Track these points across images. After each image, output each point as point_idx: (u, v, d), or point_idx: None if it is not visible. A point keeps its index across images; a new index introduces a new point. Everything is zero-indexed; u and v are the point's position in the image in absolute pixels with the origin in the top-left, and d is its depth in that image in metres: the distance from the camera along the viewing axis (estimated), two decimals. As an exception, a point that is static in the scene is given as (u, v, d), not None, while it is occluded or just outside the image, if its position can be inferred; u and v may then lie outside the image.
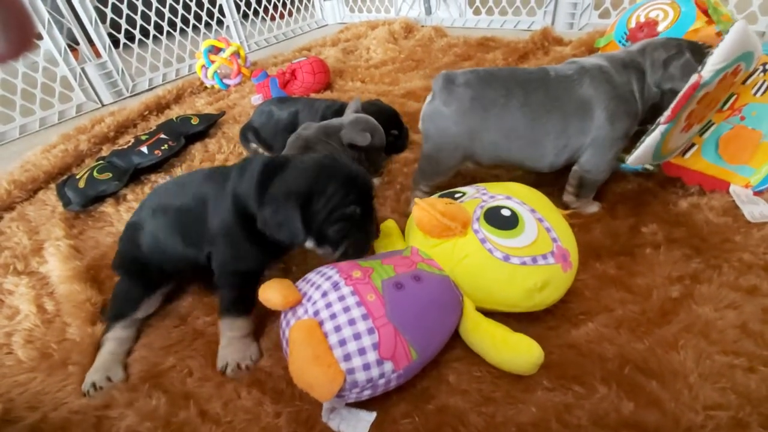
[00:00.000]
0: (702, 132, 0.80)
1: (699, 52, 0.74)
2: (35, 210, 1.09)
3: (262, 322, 0.70)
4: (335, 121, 0.99)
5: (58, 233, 0.97)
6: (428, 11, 2.53)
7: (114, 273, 0.77)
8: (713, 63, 0.63)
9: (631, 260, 0.73)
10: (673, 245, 0.74)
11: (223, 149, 1.29)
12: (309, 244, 0.65)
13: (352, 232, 0.64)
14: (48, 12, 1.61)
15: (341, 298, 0.53)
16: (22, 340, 0.72)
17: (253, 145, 1.22)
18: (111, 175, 1.10)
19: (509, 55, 1.70)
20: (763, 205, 0.79)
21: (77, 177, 1.10)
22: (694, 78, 0.63)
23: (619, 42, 1.21)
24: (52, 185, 1.18)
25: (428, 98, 0.83)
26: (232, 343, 0.64)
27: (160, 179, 1.16)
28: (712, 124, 0.79)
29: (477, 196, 0.65)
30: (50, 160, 1.25)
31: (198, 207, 0.68)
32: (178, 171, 1.19)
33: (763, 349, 0.56)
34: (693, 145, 0.82)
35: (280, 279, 0.57)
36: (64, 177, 1.18)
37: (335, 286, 0.55)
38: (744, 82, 0.74)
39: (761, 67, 0.72)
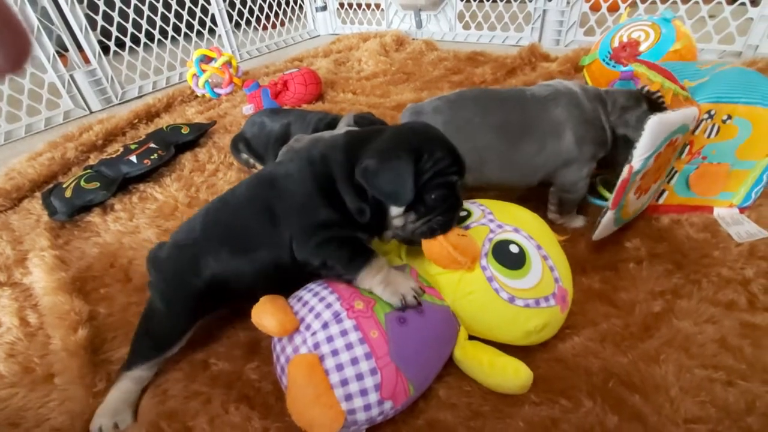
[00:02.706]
0: (669, 179, 0.84)
1: (656, 106, 0.79)
2: (19, 219, 1.07)
3: (254, 336, 0.69)
4: (326, 134, 1.00)
5: (42, 243, 0.95)
6: (419, 25, 2.57)
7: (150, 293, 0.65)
8: (639, 155, 0.66)
9: (614, 275, 0.74)
10: (655, 260, 0.76)
11: (214, 159, 1.29)
12: (396, 213, 0.58)
13: (445, 205, 0.58)
14: (37, 18, 1.60)
15: (343, 333, 0.52)
16: (4, 353, 0.70)
17: (244, 156, 1.22)
18: (99, 184, 1.08)
19: (498, 69, 1.74)
20: (747, 224, 0.82)
21: (64, 186, 1.09)
22: (626, 170, 0.67)
23: (603, 60, 1.25)
24: (38, 194, 1.16)
25: None
26: (387, 282, 0.57)
27: (149, 189, 1.15)
28: (676, 171, 0.83)
29: (484, 223, 0.63)
30: (36, 168, 1.24)
31: (279, 178, 0.62)
32: (168, 180, 1.19)
33: (741, 363, 0.58)
34: (663, 191, 0.86)
35: (274, 297, 0.56)
36: (50, 186, 1.16)
37: (336, 317, 0.53)
38: (694, 132, 0.79)
39: (706, 115, 0.77)
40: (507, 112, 0.78)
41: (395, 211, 0.58)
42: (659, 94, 0.81)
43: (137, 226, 1.01)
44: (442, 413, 0.56)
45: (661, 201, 0.86)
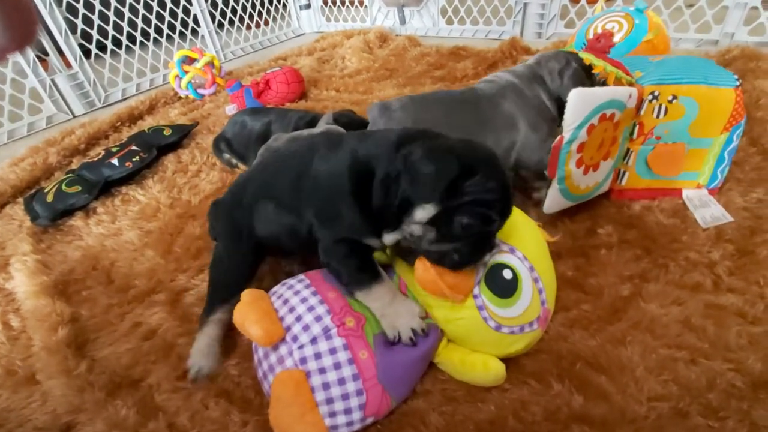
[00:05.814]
0: (626, 161, 0.87)
1: (581, 63, 0.86)
2: (2, 225, 1.07)
3: (235, 332, 0.70)
4: (305, 132, 1.01)
5: (25, 248, 0.95)
6: (402, 21, 2.57)
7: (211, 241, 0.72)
8: (567, 126, 0.72)
9: (586, 261, 0.76)
10: (625, 246, 0.78)
11: (197, 160, 1.29)
12: (419, 217, 0.52)
13: (473, 239, 0.53)
14: (15, 23, 1.58)
15: (332, 351, 0.52)
16: (-14, 358, 0.71)
17: (226, 156, 1.22)
18: (80, 188, 1.09)
19: (479, 64, 1.76)
20: (714, 206, 0.84)
21: (45, 191, 1.09)
22: (557, 139, 0.72)
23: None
24: (20, 199, 1.16)
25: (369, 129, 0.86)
26: (385, 312, 0.56)
27: (131, 191, 1.15)
28: (632, 152, 0.85)
29: None
30: (18, 173, 1.23)
31: (305, 155, 0.62)
32: (150, 183, 1.19)
33: (704, 342, 0.60)
34: (624, 172, 0.88)
35: (257, 298, 0.57)
36: (32, 191, 1.16)
37: (326, 332, 0.53)
38: (639, 112, 0.81)
39: (650, 96, 0.80)
40: (465, 113, 0.84)
41: (419, 215, 0.53)
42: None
43: (119, 229, 1.01)
44: (416, 401, 0.58)
45: (624, 183, 0.88)
